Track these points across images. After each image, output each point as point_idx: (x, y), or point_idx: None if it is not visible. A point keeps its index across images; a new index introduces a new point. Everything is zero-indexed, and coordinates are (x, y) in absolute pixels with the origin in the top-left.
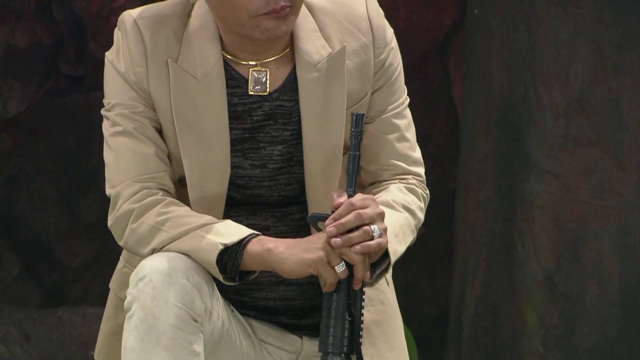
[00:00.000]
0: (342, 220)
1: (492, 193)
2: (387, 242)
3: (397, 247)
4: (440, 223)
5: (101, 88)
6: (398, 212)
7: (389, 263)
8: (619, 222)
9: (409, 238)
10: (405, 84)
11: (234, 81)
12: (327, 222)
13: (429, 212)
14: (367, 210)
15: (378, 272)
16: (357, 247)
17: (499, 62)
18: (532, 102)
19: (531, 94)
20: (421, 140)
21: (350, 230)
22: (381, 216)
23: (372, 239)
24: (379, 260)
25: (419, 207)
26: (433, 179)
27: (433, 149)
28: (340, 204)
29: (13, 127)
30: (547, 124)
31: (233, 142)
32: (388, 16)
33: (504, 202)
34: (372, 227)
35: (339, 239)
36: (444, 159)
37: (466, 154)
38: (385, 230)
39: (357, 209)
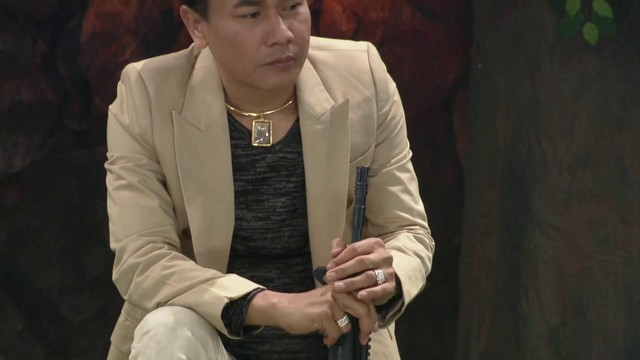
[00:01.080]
0: (343, 265)
1: (497, 248)
2: (393, 287)
3: (411, 289)
4: (444, 277)
5: (106, 143)
6: (410, 257)
7: (403, 303)
8: (624, 278)
9: (420, 283)
10: (410, 138)
11: (237, 133)
12: (327, 266)
13: (433, 266)
14: (371, 256)
15: (391, 314)
16: (364, 292)
17: (503, 116)
18: (537, 157)
19: (535, 148)
20: (425, 194)
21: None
22: (387, 261)
23: (376, 284)
24: (392, 301)
25: (428, 256)
26: (437, 233)
27: (437, 203)
28: (337, 253)
29: (18, 181)
30: (552, 179)
31: (236, 194)
32: (392, 70)
33: (508, 256)
34: (376, 271)
35: (341, 283)
36: (449, 213)
37: (470, 208)
38: (392, 275)
39: (359, 254)
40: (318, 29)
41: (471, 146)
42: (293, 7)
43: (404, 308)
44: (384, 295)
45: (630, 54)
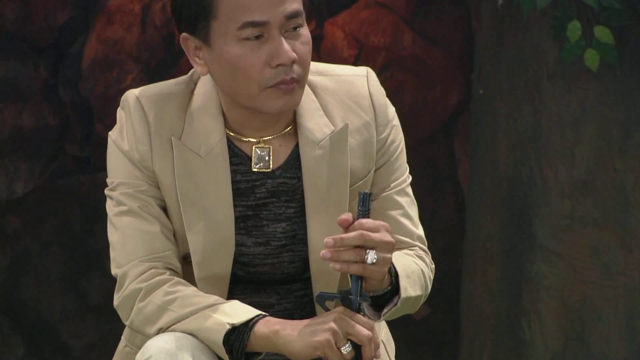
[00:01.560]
0: (344, 235)
1: (498, 274)
2: (382, 274)
3: (408, 287)
4: (445, 304)
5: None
6: (412, 259)
7: (399, 298)
8: (626, 304)
9: (419, 290)
10: (411, 163)
11: (237, 158)
12: (326, 239)
13: (434, 292)
14: (374, 235)
15: (387, 310)
16: (336, 265)
17: (504, 142)
18: (538, 183)
19: (537, 174)
20: (427, 219)
21: None
22: (389, 245)
23: (364, 262)
24: (388, 297)
25: (429, 275)
26: (438, 259)
27: (439, 229)
28: (346, 221)
29: (19, 207)
30: (553, 205)
31: (236, 220)
32: (393, 96)
33: (510, 282)
34: (368, 251)
35: (327, 252)
36: (450, 239)
37: (472, 234)
38: (386, 261)
39: (364, 229)
40: (319, 55)
41: (472, 172)
42: (295, 28)
43: (399, 303)
44: (371, 276)
45: (632, 80)
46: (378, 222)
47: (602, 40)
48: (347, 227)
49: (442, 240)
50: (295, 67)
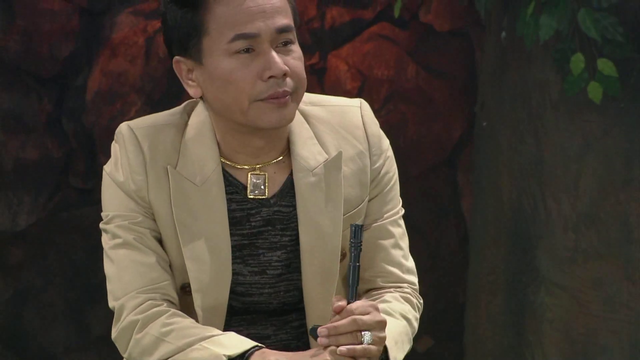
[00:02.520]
0: (336, 323)
1: (502, 306)
2: (378, 352)
3: (397, 354)
4: (449, 336)
5: None
6: (397, 320)
7: None
8: (630, 336)
9: (407, 347)
10: (414, 196)
11: (232, 187)
12: (320, 328)
13: (438, 324)
14: (365, 317)
15: None
16: (343, 347)
17: (507, 175)
18: (541, 215)
19: (540, 207)
20: (430, 251)
21: None
22: (381, 324)
23: (360, 344)
24: None
25: (415, 316)
26: (442, 291)
27: (442, 261)
28: (340, 308)
29: (22, 240)
30: (557, 237)
31: (232, 249)
32: (397, 129)
33: (513, 315)
34: (363, 333)
35: (325, 338)
36: (453, 271)
37: (475, 266)
38: (382, 339)
39: (355, 315)
40: (322, 87)
41: (475, 204)
42: (285, 44)
43: None
44: (364, 355)
45: (635, 112)
46: (367, 304)
47: (605, 72)
48: (338, 311)
49: (445, 271)
50: (288, 80)
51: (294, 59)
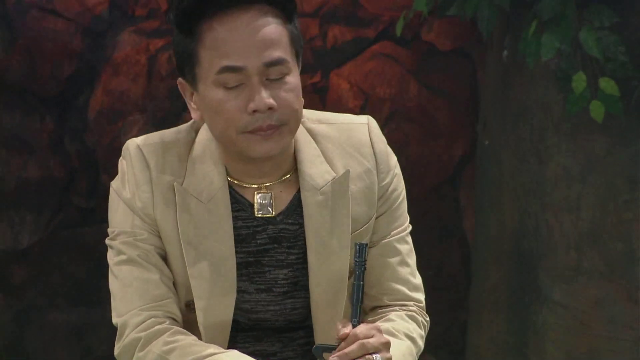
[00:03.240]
0: (346, 350)
1: (504, 325)
2: None
3: None
4: (452, 355)
5: None
6: (400, 341)
7: None
8: (632, 356)
9: None
10: (416, 215)
11: (238, 204)
12: (331, 357)
13: (440, 344)
14: (371, 340)
15: None
16: None
17: (510, 193)
18: (544, 233)
19: (542, 226)
20: (433, 270)
21: None
22: (386, 346)
23: None
24: None
25: (420, 335)
26: (444, 310)
27: (444, 280)
28: (345, 335)
29: (25, 259)
30: (559, 256)
31: (238, 266)
32: (398, 147)
33: (515, 334)
34: (374, 355)
35: None
36: (455, 289)
37: (477, 285)
38: (390, 359)
39: (361, 339)
40: (324, 106)
41: (478, 223)
42: (277, 76)
43: None
44: None
45: (637, 131)
46: (370, 326)
47: (607, 91)
48: (343, 338)
49: (447, 290)
50: (277, 114)
51: (285, 92)
